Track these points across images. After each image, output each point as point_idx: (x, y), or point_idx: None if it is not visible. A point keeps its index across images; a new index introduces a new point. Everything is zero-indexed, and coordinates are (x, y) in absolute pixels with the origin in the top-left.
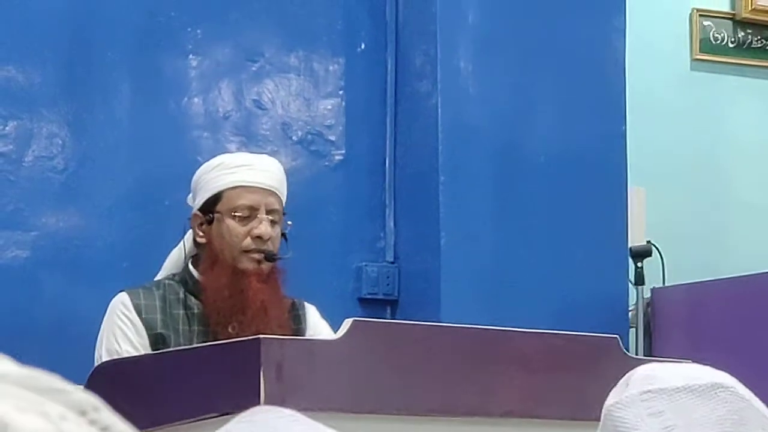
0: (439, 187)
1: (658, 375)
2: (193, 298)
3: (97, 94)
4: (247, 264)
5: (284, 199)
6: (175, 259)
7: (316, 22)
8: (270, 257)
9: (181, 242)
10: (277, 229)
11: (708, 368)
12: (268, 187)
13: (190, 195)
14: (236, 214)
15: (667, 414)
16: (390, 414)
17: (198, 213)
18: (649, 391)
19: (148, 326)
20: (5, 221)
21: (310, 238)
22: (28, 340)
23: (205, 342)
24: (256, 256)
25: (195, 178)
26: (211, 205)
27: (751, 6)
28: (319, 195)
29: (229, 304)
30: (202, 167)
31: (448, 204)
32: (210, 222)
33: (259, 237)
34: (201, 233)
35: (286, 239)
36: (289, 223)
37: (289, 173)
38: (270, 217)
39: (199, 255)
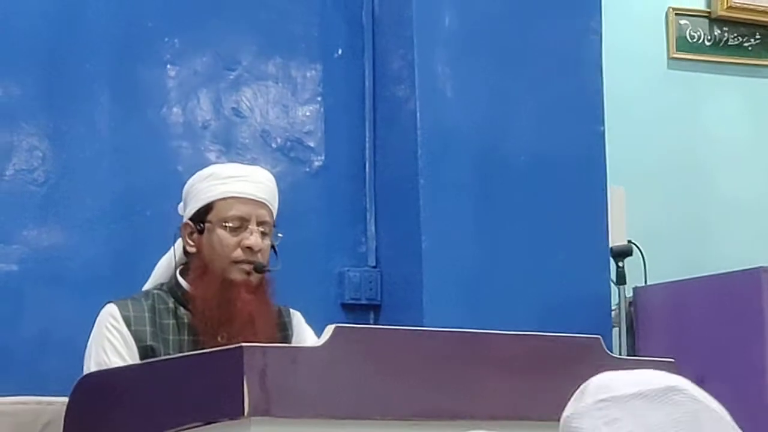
0: (420, 191)
1: (611, 384)
2: (182, 308)
3: (76, 106)
4: (236, 275)
5: (275, 212)
6: (164, 268)
7: (293, 29)
8: (259, 269)
9: (171, 251)
10: (267, 241)
11: (663, 372)
12: (259, 199)
13: (181, 204)
14: (227, 224)
15: (623, 421)
16: (374, 419)
17: (189, 222)
18: (604, 399)
19: (138, 338)
20: None
21: (291, 245)
22: (12, 353)
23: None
24: (246, 267)
25: (186, 187)
26: (202, 215)
27: (727, 4)
28: (300, 201)
29: (217, 314)
30: (195, 176)
31: (429, 207)
32: (201, 231)
33: (249, 248)
34: (191, 242)
35: (275, 251)
36: (280, 235)
37: None
38: (260, 229)
39: (188, 264)
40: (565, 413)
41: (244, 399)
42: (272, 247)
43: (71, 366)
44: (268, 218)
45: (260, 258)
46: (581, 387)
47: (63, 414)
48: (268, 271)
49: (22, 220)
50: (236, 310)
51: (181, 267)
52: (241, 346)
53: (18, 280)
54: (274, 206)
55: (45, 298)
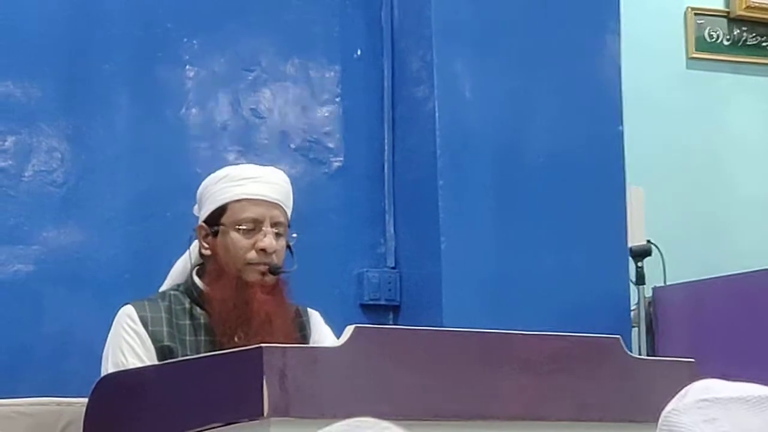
0: (438, 192)
1: (715, 386)
2: (198, 309)
3: (95, 107)
4: (251, 276)
5: (290, 212)
6: (180, 270)
7: (312, 29)
8: (274, 270)
9: (187, 252)
10: (282, 242)
11: (765, 386)
12: (272, 200)
13: (196, 206)
14: (241, 226)
15: (721, 421)
16: (394, 420)
17: (203, 225)
18: (705, 399)
19: (155, 338)
20: (6, 236)
21: (310, 246)
22: (32, 354)
23: (212, 352)
24: (261, 268)
25: (201, 189)
26: (216, 217)
27: (745, 3)
28: (319, 202)
29: (234, 315)
30: (208, 179)
31: (448, 208)
32: (215, 234)
33: (263, 250)
34: (206, 245)
35: (291, 252)
36: (295, 235)
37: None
38: (275, 230)
39: (204, 265)
40: (666, 409)
41: (264, 399)
42: (288, 247)
43: (91, 367)
44: (282, 219)
45: (275, 259)
46: (685, 388)
47: (83, 415)
48: (284, 272)
49: (41, 221)
50: (253, 311)
51: (197, 268)
52: (260, 347)
53: (37, 281)
54: (288, 206)
55: (64, 299)
